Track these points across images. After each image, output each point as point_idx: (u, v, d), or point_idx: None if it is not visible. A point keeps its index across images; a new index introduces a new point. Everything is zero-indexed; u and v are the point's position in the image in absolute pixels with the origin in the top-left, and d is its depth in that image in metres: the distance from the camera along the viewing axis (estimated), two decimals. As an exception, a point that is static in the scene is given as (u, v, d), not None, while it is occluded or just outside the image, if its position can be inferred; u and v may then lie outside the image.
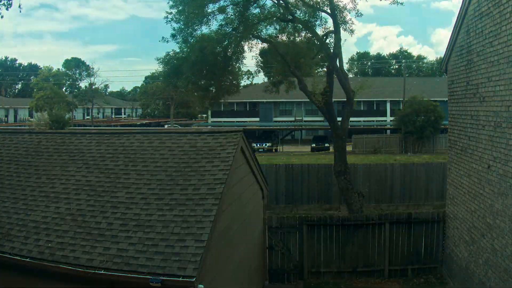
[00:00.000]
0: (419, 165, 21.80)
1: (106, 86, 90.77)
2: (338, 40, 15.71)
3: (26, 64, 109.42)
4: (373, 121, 51.35)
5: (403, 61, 70.89)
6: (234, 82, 20.22)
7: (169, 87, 24.24)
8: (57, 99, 62.50)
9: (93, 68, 74.59)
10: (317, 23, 16.28)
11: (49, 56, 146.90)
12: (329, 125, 16.96)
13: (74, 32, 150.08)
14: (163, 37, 17.38)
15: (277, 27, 18.01)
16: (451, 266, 12.48)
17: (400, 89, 49.47)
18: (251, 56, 67.92)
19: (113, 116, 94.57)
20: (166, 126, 61.09)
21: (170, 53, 17.85)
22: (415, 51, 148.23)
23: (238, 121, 52.29)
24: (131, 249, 6.85)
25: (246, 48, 18.22)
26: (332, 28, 16.12)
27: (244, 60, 18.62)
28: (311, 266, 13.45)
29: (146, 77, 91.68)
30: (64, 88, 79.44)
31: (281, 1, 16.53)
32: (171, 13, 16.57)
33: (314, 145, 42.74)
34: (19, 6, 8.82)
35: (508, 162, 8.64)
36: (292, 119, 55.85)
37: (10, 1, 8.65)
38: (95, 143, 9.79)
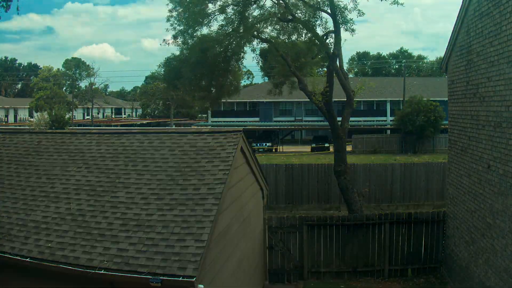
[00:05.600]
0: (419, 165, 21.77)
1: (106, 86, 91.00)
2: (338, 40, 15.70)
3: (26, 64, 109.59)
4: (373, 121, 51.35)
5: (403, 61, 70.89)
6: (234, 82, 20.22)
7: (169, 87, 24.28)
8: (57, 99, 62.55)
9: (93, 68, 74.71)
10: (317, 23, 16.28)
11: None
12: (329, 125, 16.95)
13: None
14: (164, 40, 17.67)
15: (277, 27, 18.03)
16: (451, 266, 12.48)
17: (400, 89, 49.52)
18: (251, 56, 67.94)
19: (113, 116, 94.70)
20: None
21: (170, 54, 17.92)
22: (415, 51, 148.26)
23: (238, 121, 52.29)
24: (131, 249, 6.86)
25: (246, 48, 18.25)
26: (332, 28, 16.11)
27: (244, 60, 18.68)
28: (311, 266, 13.45)
29: (146, 77, 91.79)
30: (64, 88, 79.50)
31: (281, 1, 16.52)
32: (172, 16, 16.67)
33: (314, 145, 42.73)
34: (17, 8, 8.72)
35: (508, 162, 8.64)
36: (292, 119, 55.87)
37: (9, 3, 8.58)
38: (95, 143, 9.79)
